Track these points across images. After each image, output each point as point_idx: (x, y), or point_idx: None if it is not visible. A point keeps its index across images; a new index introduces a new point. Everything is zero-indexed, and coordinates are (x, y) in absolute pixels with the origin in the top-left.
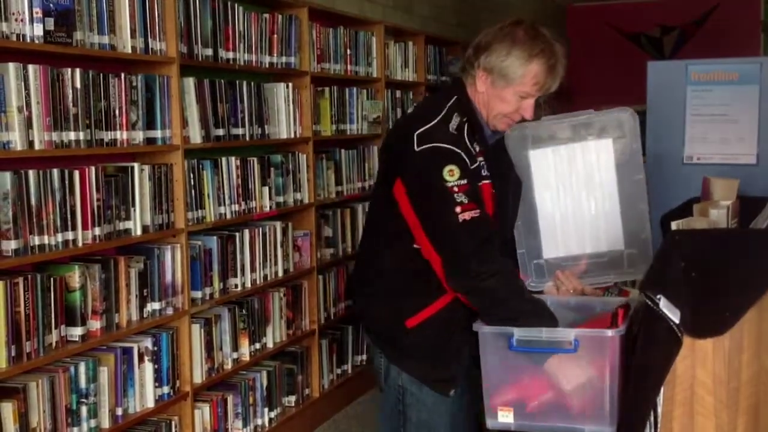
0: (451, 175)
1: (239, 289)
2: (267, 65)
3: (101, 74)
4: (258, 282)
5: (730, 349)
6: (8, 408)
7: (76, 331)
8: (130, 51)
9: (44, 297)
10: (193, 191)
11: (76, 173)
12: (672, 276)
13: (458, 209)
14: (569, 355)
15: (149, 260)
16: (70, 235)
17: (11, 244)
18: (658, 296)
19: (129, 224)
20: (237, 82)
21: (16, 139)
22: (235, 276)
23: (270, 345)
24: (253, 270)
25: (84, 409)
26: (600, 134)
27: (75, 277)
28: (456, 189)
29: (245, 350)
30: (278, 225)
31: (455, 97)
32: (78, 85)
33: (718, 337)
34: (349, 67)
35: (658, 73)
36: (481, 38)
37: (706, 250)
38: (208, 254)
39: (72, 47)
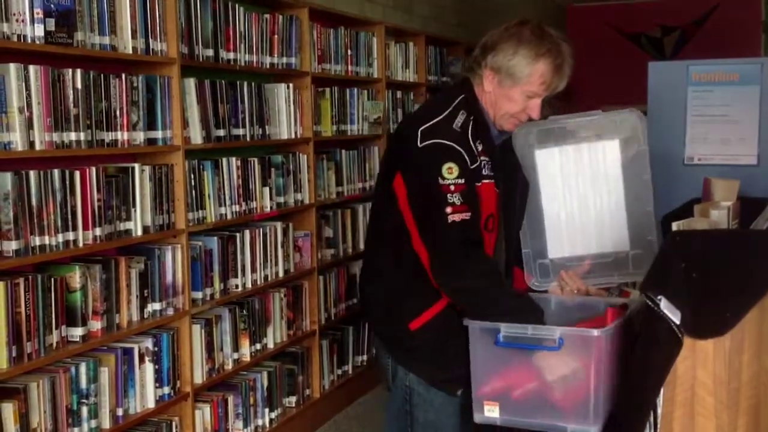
0: (450, 172)
1: (240, 289)
2: (268, 66)
3: (102, 75)
4: (258, 282)
5: (730, 349)
6: (9, 408)
7: (77, 332)
8: (130, 51)
9: (45, 297)
10: (193, 192)
11: (77, 174)
12: (672, 277)
13: (449, 210)
14: (559, 358)
15: (150, 261)
16: (70, 236)
17: (12, 245)
18: (659, 297)
19: (130, 225)
20: (238, 82)
21: (16, 139)
22: (236, 276)
23: (270, 345)
24: (253, 270)
25: (84, 410)
26: (607, 135)
27: (76, 277)
28: (452, 188)
29: (246, 351)
30: (279, 225)
31: (462, 96)
32: (79, 85)
33: (718, 338)
34: (349, 67)
35: (658, 73)
36: (488, 38)
37: (707, 251)
38: (208, 255)
39: (73, 48)
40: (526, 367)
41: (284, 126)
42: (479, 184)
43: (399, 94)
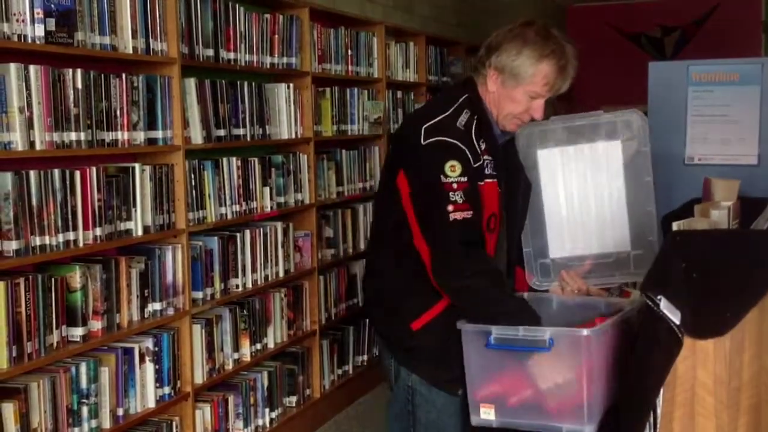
0: (453, 170)
1: (240, 289)
2: (268, 66)
3: (102, 75)
4: (259, 282)
5: (731, 349)
6: (9, 408)
7: (77, 332)
8: (131, 51)
9: (45, 297)
10: (194, 192)
11: (77, 174)
12: (673, 277)
13: (450, 207)
14: (552, 359)
15: (150, 260)
16: (71, 236)
17: (12, 245)
18: (659, 297)
19: (130, 225)
20: (238, 82)
21: (17, 139)
22: (236, 276)
23: (271, 345)
24: (254, 270)
25: (85, 410)
26: (609, 135)
27: (76, 277)
28: (455, 186)
29: (246, 351)
30: (279, 225)
31: (466, 95)
32: (79, 85)
33: (719, 338)
34: (350, 67)
35: (659, 73)
36: (493, 38)
37: (707, 251)
38: (209, 255)
39: (73, 48)
40: (520, 373)
41: (284, 126)
42: (482, 183)
43: (399, 94)
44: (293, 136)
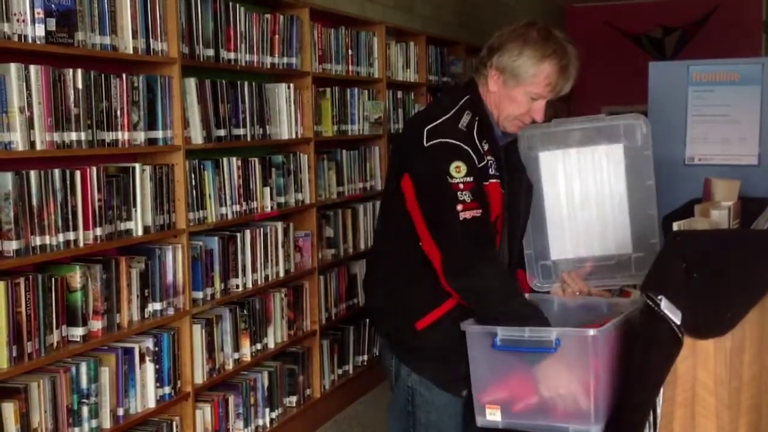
0: (458, 171)
1: (240, 289)
2: (268, 66)
3: (103, 75)
4: (259, 282)
5: (731, 349)
6: (9, 408)
7: (78, 332)
8: (131, 51)
9: (45, 297)
10: (194, 192)
11: (78, 174)
12: (673, 277)
13: (460, 207)
14: (558, 360)
15: (150, 260)
16: (71, 236)
17: (12, 245)
18: (659, 297)
19: (130, 225)
20: (238, 82)
21: (17, 139)
22: (236, 276)
23: (271, 345)
24: (254, 270)
25: (85, 410)
26: (611, 139)
27: (76, 277)
28: (461, 186)
29: (246, 350)
30: (279, 225)
31: (467, 96)
32: (79, 85)
33: (719, 338)
34: (350, 67)
35: (659, 73)
36: (495, 39)
37: (708, 251)
38: (209, 255)
39: (73, 48)
40: (527, 374)
41: (285, 126)
42: (486, 183)
43: (399, 94)
44: (293, 136)
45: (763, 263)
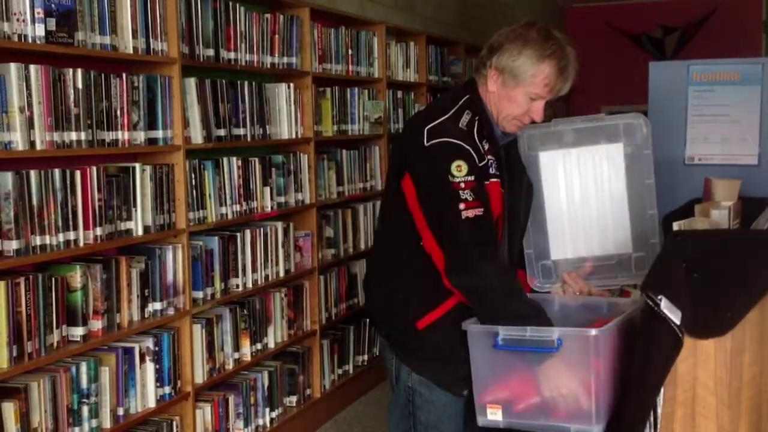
0: (459, 170)
1: (240, 289)
2: (268, 65)
3: (103, 74)
4: (259, 282)
5: (731, 349)
6: (9, 408)
7: (78, 331)
8: (131, 51)
9: (45, 297)
10: (194, 191)
11: (78, 173)
12: (673, 277)
13: (462, 206)
14: (560, 360)
15: (150, 260)
16: (71, 235)
17: (13, 244)
18: (659, 297)
19: (130, 224)
20: (238, 82)
21: (17, 139)
22: (237, 276)
23: (271, 345)
24: (254, 270)
25: (85, 409)
26: (611, 138)
27: (76, 277)
28: (463, 185)
29: (246, 350)
30: (279, 225)
31: (467, 96)
32: (79, 85)
33: (719, 338)
34: (350, 67)
35: (659, 73)
36: (495, 38)
37: (708, 251)
38: (209, 254)
39: (73, 47)
40: (528, 374)
41: (285, 126)
42: (487, 182)
43: (400, 93)
44: (293, 136)
45: (763, 263)
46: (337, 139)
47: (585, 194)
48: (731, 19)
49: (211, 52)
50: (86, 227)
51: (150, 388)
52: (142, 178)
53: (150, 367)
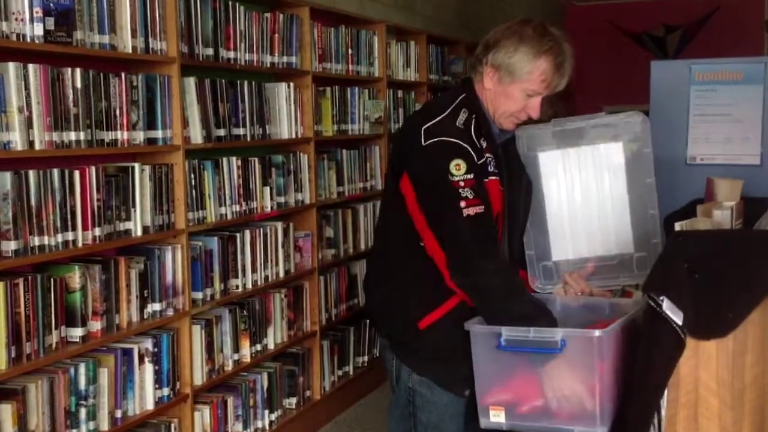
0: (458, 169)
1: (240, 290)
2: (268, 65)
3: (102, 74)
4: (259, 283)
5: (734, 350)
6: (7, 410)
7: (77, 332)
8: (130, 51)
9: (44, 298)
10: (193, 192)
11: (77, 173)
12: (675, 277)
13: (463, 204)
14: (564, 361)
15: (150, 261)
16: (70, 236)
17: (11, 245)
18: (661, 298)
19: (129, 225)
20: (238, 81)
21: (16, 139)
22: (236, 277)
23: (271, 346)
24: (254, 271)
25: (83, 411)
26: (611, 138)
27: (75, 277)
28: (462, 184)
29: (246, 351)
30: (279, 225)
31: (463, 94)
32: (78, 84)
33: (721, 339)
34: (350, 66)
35: (661, 72)
36: (490, 36)
37: (710, 252)
38: (208, 255)
39: (72, 47)
40: (531, 375)
41: (285, 125)
42: (486, 180)
43: (400, 93)
44: (293, 136)
45: (765, 264)
46: (337, 138)
47: (585, 194)
48: (733, 18)
49: (210, 51)
50: (85, 227)
51: (149, 389)
52: (141, 178)
53: (149, 368)
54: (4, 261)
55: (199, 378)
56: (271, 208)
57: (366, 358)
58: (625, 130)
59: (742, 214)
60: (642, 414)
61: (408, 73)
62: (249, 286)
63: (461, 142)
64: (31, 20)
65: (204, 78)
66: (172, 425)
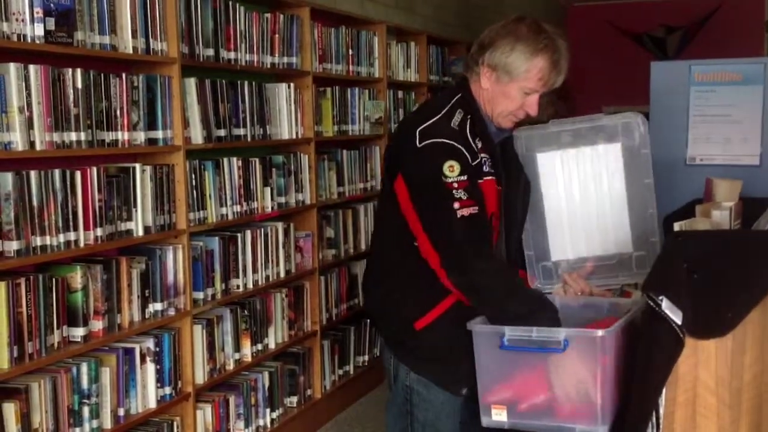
0: (451, 170)
1: (241, 289)
2: (268, 65)
3: (102, 74)
4: (260, 283)
5: (732, 350)
6: (10, 408)
7: (78, 332)
8: (131, 51)
9: (46, 297)
10: (194, 192)
11: (78, 174)
12: (674, 277)
13: (456, 205)
14: (566, 360)
15: (151, 261)
16: (71, 236)
17: (13, 245)
18: (661, 297)
19: (131, 225)
20: (238, 82)
21: (17, 139)
22: (237, 277)
23: (272, 346)
24: (254, 271)
25: (86, 410)
26: (609, 138)
27: (77, 277)
28: (455, 185)
29: (247, 351)
30: (280, 226)
31: (459, 95)
32: (79, 85)
33: (720, 338)
34: (350, 67)
35: (661, 73)
36: (485, 35)
37: (709, 252)
38: (209, 255)
39: (73, 47)
40: (533, 374)
41: (285, 126)
42: (481, 180)
43: (400, 93)
44: (294, 136)
45: (764, 264)
46: (338, 139)
47: (584, 194)
48: (733, 19)
49: (210, 51)
50: (86, 228)
51: (150, 388)
52: (142, 178)
53: (150, 367)
54: (6, 261)
55: (200, 377)
56: (272, 208)
57: (366, 357)
58: (624, 131)
59: (740, 215)
60: (641, 412)
61: (408, 74)
62: (250, 286)
63: (455, 144)
64: (32, 21)
65: (204, 78)
66: (175, 423)
